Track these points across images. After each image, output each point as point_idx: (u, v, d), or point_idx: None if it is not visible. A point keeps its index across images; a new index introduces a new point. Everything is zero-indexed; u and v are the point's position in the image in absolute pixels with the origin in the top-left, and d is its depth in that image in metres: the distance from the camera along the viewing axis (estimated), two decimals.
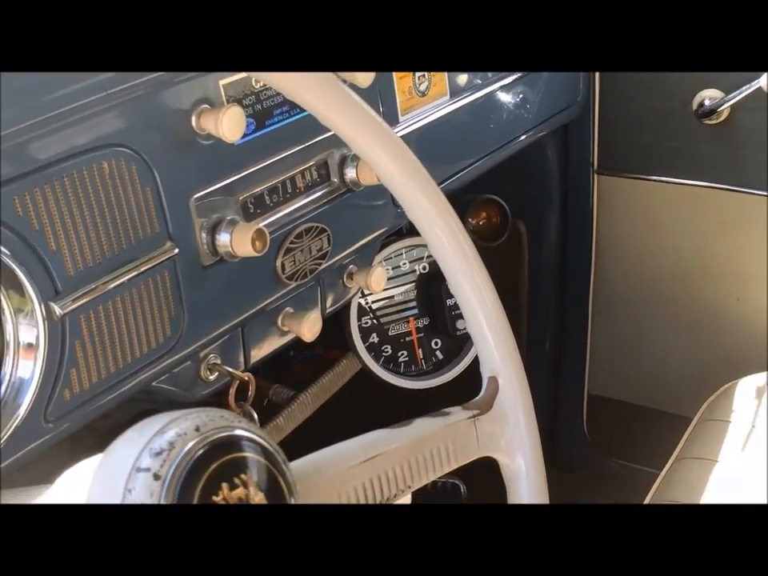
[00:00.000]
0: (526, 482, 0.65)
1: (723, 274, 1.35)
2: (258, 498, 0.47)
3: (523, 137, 1.18)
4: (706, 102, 1.23)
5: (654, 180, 1.34)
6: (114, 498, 0.45)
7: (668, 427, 1.21)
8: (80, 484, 0.47)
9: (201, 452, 0.46)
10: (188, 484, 0.45)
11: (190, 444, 0.46)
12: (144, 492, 0.44)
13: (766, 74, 1.15)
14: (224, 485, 0.46)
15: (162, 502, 0.45)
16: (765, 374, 1.20)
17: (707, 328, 1.39)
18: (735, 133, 1.25)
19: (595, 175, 1.37)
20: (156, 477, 0.44)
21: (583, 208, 1.39)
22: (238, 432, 0.48)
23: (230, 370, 0.81)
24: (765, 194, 1.26)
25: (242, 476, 0.47)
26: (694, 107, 1.25)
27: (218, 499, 0.45)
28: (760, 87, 1.16)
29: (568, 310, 1.49)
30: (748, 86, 1.17)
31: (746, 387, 1.19)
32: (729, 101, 1.20)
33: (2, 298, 0.62)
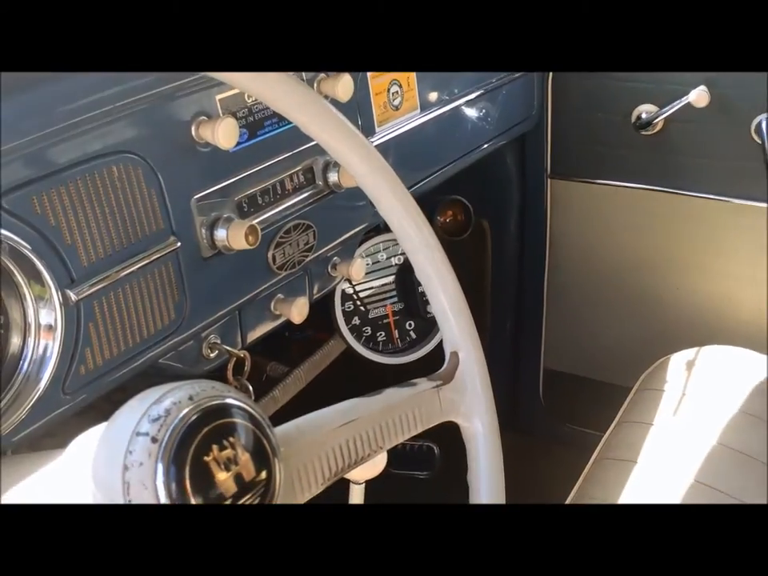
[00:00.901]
0: (483, 443, 0.64)
1: (658, 263, 1.35)
2: (244, 458, 0.45)
3: (485, 146, 1.18)
4: (643, 116, 1.23)
5: (599, 183, 1.33)
6: (117, 458, 0.43)
7: (611, 395, 1.21)
8: (88, 448, 0.46)
9: (193, 418, 0.45)
10: (182, 446, 0.44)
11: (184, 411, 0.45)
12: (143, 453, 0.43)
13: (693, 90, 1.15)
14: (214, 446, 0.44)
15: (159, 465, 0.43)
16: (694, 350, 1.21)
17: (645, 311, 1.39)
18: (668, 142, 1.25)
19: (548, 179, 1.37)
20: (153, 440, 0.43)
21: (538, 207, 1.39)
22: (227, 401, 0.47)
23: (228, 348, 0.80)
24: (693, 194, 1.26)
25: (231, 439, 0.45)
26: (633, 120, 1.24)
27: (208, 459, 0.44)
28: (689, 102, 1.16)
29: (526, 296, 1.49)
30: (678, 101, 1.17)
31: (678, 361, 1.20)
32: (662, 114, 1.20)
33: (24, 286, 0.60)
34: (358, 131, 0.61)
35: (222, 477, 0.44)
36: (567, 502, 1.03)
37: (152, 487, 0.42)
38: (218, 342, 0.80)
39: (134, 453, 0.43)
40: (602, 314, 1.43)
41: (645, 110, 1.23)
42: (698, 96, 1.15)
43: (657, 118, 1.21)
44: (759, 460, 1.01)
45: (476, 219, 1.33)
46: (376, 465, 0.73)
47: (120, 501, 0.43)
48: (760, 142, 1.15)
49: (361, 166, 0.61)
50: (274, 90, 0.55)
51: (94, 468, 0.45)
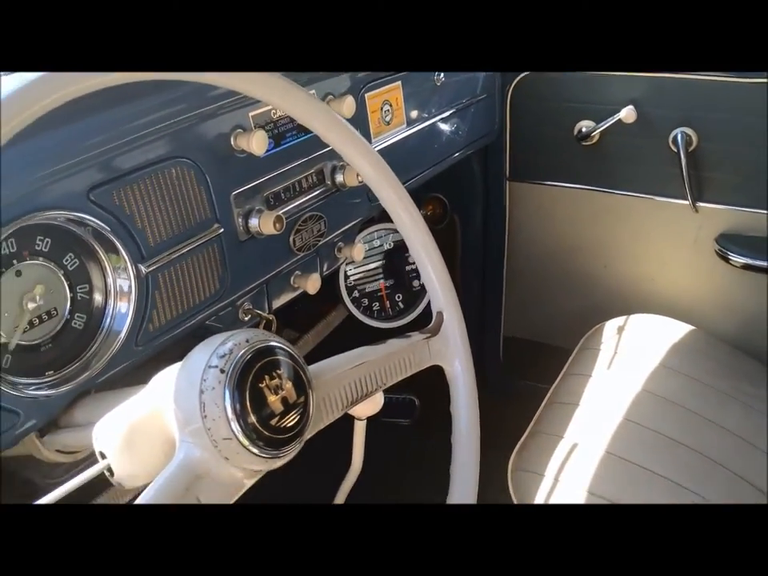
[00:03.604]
0: (462, 381, 0.65)
1: (595, 248, 1.34)
2: (288, 385, 0.48)
3: (456, 154, 1.17)
4: (583, 129, 1.22)
5: (549, 185, 1.32)
6: (194, 384, 0.46)
7: (558, 355, 1.21)
8: (169, 379, 0.48)
9: (250, 355, 0.47)
10: (243, 375, 0.46)
11: (243, 350, 0.47)
12: (214, 380, 0.46)
13: (624, 109, 1.14)
14: (266, 376, 0.47)
15: (226, 390, 0.46)
16: (624, 317, 1.21)
17: (585, 287, 1.38)
18: (603, 151, 1.24)
19: (507, 181, 1.35)
20: (222, 371, 0.46)
21: (499, 204, 1.38)
22: (273, 343, 0.49)
23: (259, 312, 0.81)
24: (623, 193, 1.25)
25: (278, 371, 0.48)
26: (575, 133, 1.24)
27: (262, 385, 0.47)
28: (620, 119, 1.16)
29: (488, 276, 1.47)
30: (611, 117, 1.17)
31: (611, 327, 1.21)
32: (599, 128, 1.19)
33: (106, 261, 0.62)
34: (367, 142, 0.63)
35: (272, 399, 0.47)
36: (523, 438, 1.04)
37: (222, 406, 0.45)
38: (251, 307, 0.80)
39: (207, 380, 0.46)
40: (551, 289, 1.42)
41: (584, 124, 1.23)
42: (627, 113, 1.15)
43: (594, 131, 1.21)
44: (675, 402, 1.02)
45: (450, 213, 1.34)
46: (375, 405, 0.72)
47: (198, 416, 0.45)
48: (676, 151, 1.15)
49: (369, 169, 0.63)
50: (304, 110, 0.58)
51: (176, 393, 0.47)
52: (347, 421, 0.63)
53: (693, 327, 1.19)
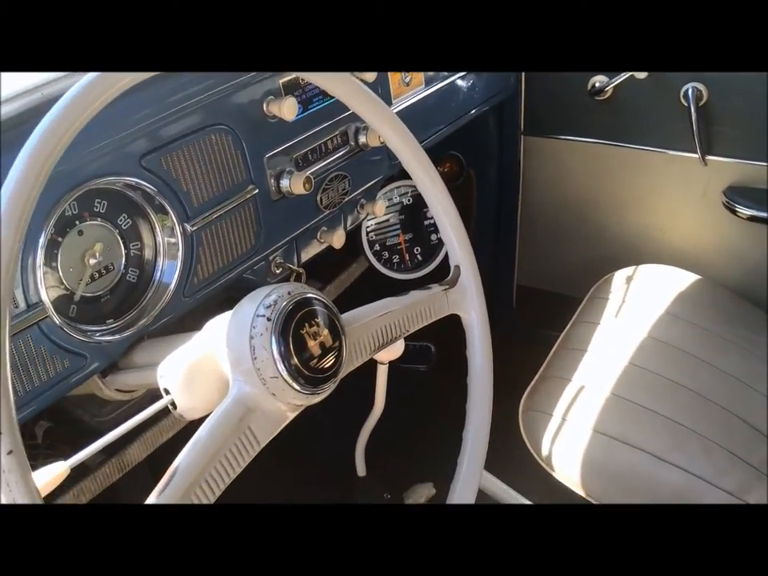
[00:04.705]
0: (477, 327, 0.70)
1: (606, 200, 1.35)
2: (324, 332, 0.54)
3: (473, 110, 1.19)
4: (597, 85, 1.23)
5: (562, 138, 1.33)
6: (245, 330, 0.52)
7: (569, 304, 1.24)
8: (221, 326, 0.55)
9: (291, 306, 0.53)
10: (286, 323, 0.52)
11: (286, 301, 0.53)
12: (262, 327, 0.51)
13: None
14: (306, 324, 0.53)
15: (273, 336, 0.51)
16: (632, 267, 1.24)
17: (595, 238, 1.39)
18: (616, 105, 1.24)
19: (522, 136, 1.36)
20: (268, 319, 0.52)
21: (514, 158, 1.39)
22: (310, 295, 0.55)
23: (290, 265, 0.86)
24: (635, 147, 1.26)
25: (316, 319, 0.54)
26: (589, 88, 1.24)
27: (303, 332, 0.52)
28: (632, 74, 1.16)
29: (502, 227, 1.49)
30: (624, 73, 1.17)
31: (620, 276, 1.23)
32: (611, 83, 1.20)
33: (156, 220, 0.68)
34: (389, 108, 0.67)
35: (312, 343, 0.53)
36: (534, 381, 1.08)
37: (269, 349, 0.51)
38: (282, 261, 0.85)
39: (256, 327, 0.52)
40: (563, 240, 1.43)
41: (598, 80, 1.23)
42: None
43: (607, 86, 1.21)
44: (677, 347, 1.07)
45: (466, 169, 1.35)
46: (397, 351, 0.77)
47: (248, 358, 0.51)
48: (686, 105, 1.16)
49: (392, 134, 0.67)
50: (328, 78, 0.62)
51: (228, 338, 0.53)
52: (368, 368, 0.67)
53: (699, 277, 1.22)
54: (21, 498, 0.40)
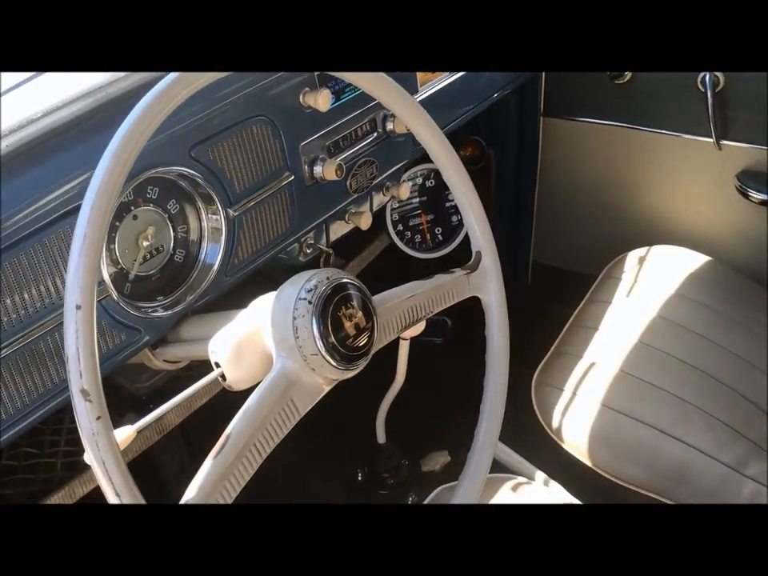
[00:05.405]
0: (495, 308, 0.74)
1: (623, 182, 1.37)
2: (359, 314, 0.58)
3: (495, 95, 1.20)
4: None
5: (581, 121, 1.35)
6: (288, 311, 0.56)
7: (583, 282, 1.26)
8: (266, 306, 0.59)
9: (330, 290, 0.58)
10: (325, 306, 0.57)
11: (325, 286, 0.57)
12: (303, 310, 0.56)
13: None
14: (342, 306, 0.57)
15: (313, 317, 0.55)
16: (646, 248, 1.27)
17: (610, 218, 1.41)
18: (634, 89, 1.26)
19: (541, 117, 1.38)
20: (309, 302, 0.57)
21: (533, 139, 1.41)
22: (346, 280, 0.59)
23: (320, 246, 0.90)
24: (652, 130, 1.29)
25: (351, 302, 0.58)
26: (608, 72, 1.25)
27: (340, 314, 0.57)
28: None
29: (520, 206, 1.51)
30: None
31: (633, 257, 1.26)
32: None
33: (201, 206, 0.73)
34: (415, 99, 0.70)
35: (347, 324, 0.58)
36: (547, 357, 1.13)
37: (310, 329, 0.56)
38: (312, 242, 0.90)
39: (298, 309, 0.57)
40: (579, 220, 1.46)
41: None
42: None
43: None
44: (687, 327, 1.11)
45: (486, 151, 1.37)
46: (419, 328, 0.78)
47: (291, 337, 0.56)
48: (703, 91, 1.18)
49: (419, 127, 0.70)
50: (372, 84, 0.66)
51: (273, 318, 0.58)
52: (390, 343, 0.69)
53: (710, 258, 1.25)
54: (107, 458, 0.46)
